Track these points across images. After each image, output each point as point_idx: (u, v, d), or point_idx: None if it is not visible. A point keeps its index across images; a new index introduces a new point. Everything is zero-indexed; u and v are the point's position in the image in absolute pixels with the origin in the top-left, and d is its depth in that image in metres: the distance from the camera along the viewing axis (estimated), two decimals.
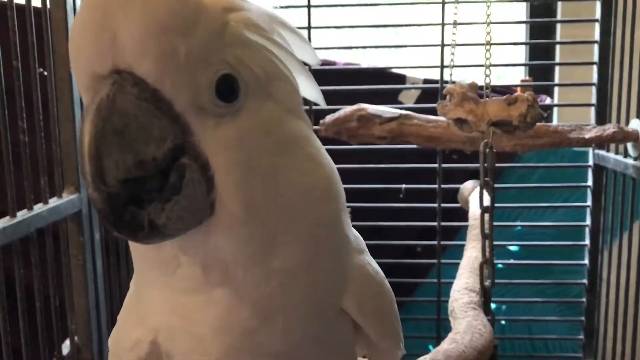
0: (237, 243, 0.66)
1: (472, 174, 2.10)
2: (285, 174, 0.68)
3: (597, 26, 2.06)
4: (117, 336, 0.78)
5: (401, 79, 2.30)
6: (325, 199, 0.74)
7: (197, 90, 0.63)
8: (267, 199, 0.66)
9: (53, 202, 1.56)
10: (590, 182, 2.14)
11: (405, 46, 2.52)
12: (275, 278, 0.68)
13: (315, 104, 2.09)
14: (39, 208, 1.49)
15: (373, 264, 0.82)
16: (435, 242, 2.17)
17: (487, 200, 1.62)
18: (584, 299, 2.19)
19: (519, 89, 2.17)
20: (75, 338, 1.69)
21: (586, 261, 2.17)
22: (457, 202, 2.14)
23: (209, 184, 0.64)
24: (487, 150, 1.56)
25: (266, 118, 0.67)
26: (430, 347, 2.18)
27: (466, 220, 1.95)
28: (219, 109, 0.65)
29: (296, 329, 0.71)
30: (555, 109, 2.41)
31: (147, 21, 0.60)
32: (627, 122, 1.92)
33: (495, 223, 1.65)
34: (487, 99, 1.59)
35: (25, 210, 1.44)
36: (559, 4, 2.43)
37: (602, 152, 2.07)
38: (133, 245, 0.71)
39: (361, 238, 0.86)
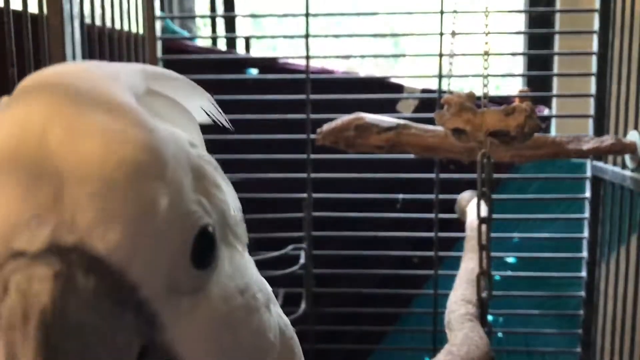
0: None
1: (470, 185, 2.09)
2: (249, 345, 0.51)
3: (595, 38, 2.06)
4: None
5: (399, 88, 2.29)
6: (273, 351, 0.55)
7: (173, 264, 0.42)
8: None
9: None
10: (588, 194, 2.14)
11: (404, 56, 2.52)
12: None
13: (313, 112, 2.09)
14: None
15: (282, 315, 0.65)
16: (432, 253, 2.16)
17: (484, 211, 1.61)
18: (581, 312, 2.18)
19: (517, 99, 2.16)
20: None
21: (584, 273, 2.16)
22: (455, 213, 2.13)
23: None
24: (485, 160, 1.56)
25: (233, 273, 0.49)
26: (427, 359, 2.17)
27: (463, 231, 1.94)
28: (195, 281, 0.44)
29: None
30: (553, 120, 2.41)
31: (114, 160, 0.38)
32: (625, 134, 1.91)
33: (492, 234, 1.63)
34: (485, 109, 1.58)
35: None
36: (558, 15, 2.43)
37: (600, 164, 2.06)
38: None
39: (269, 290, 0.62)
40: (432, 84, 2.17)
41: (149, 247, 0.40)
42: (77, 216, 0.38)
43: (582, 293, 2.17)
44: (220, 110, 0.56)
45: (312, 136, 1.98)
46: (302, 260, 2.12)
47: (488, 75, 1.67)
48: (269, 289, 0.55)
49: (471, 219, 1.88)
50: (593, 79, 2.08)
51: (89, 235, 0.38)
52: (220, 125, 0.57)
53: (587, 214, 2.14)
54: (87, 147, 0.38)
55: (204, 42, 2.64)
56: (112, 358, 0.39)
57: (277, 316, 0.63)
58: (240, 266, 0.50)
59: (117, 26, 1.77)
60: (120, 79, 0.43)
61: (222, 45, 2.62)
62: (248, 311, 0.50)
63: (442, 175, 2.11)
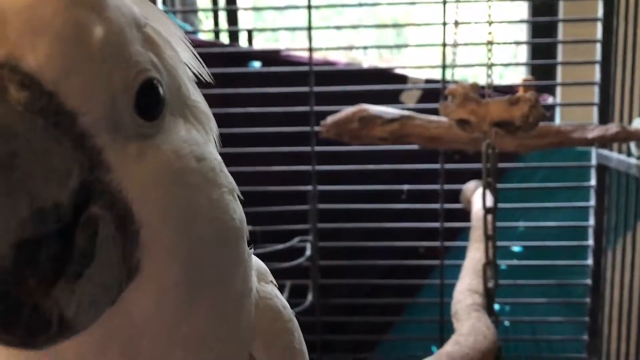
0: (160, 309, 0.48)
1: (475, 175, 2.09)
2: (208, 214, 0.50)
3: (599, 25, 2.05)
4: None
5: (403, 79, 2.29)
6: (238, 240, 0.55)
7: (113, 100, 0.43)
8: (198, 249, 0.49)
9: None
10: (593, 182, 2.13)
11: (407, 46, 2.52)
12: (181, 348, 0.52)
13: (317, 104, 2.09)
14: None
15: (280, 296, 0.66)
16: (438, 243, 2.17)
17: (490, 201, 1.61)
18: (587, 299, 2.18)
19: (521, 88, 2.16)
20: None
21: (590, 261, 2.16)
22: (460, 203, 2.13)
23: (131, 240, 0.44)
24: (490, 150, 1.56)
25: (189, 139, 0.50)
26: (434, 348, 2.17)
27: (469, 221, 1.94)
28: (140, 128, 0.45)
29: None
30: (557, 109, 2.40)
31: None
32: (630, 121, 1.91)
33: (498, 224, 1.64)
34: (489, 99, 1.58)
35: None
36: (561, 3, 2.42)
37: (605, 152, 2.06)
38: None
39: (264, 265, 0.67)
40: (436, 74, 2.16)
41: (84, 73, 0.41)
42: (7, 26, 0.39)
43: (588, 281, 2.17)
44: (202, 63, 0.57)
45: (316, 128, 1.98)
46: (308, 252, 2.13)
47: (492, 64, 1.67)
48: (234, 183, 0.56)
49: (476, 209, 1.88)
50: (597, 67, 2.07)
51: (19, 48, 0.39)
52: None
53: (592, 202, 2.14)
54: None
55: (206, 36, 2.64)
56: (44, 179, 0.39)
57: (273, 295, 0.64)
58: (198, 139, 0.51)
59: None
60: None
61: (224, 38, 2.62)
62: (206, 179, 0.50)
63: (447, 166, 2.11)
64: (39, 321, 0.40)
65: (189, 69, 0.56)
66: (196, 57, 0.57)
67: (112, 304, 0.44)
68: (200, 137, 0.52)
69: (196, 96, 0.54)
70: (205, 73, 0.57)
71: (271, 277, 0.67)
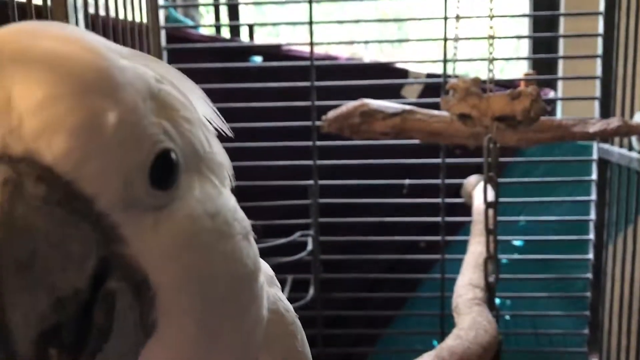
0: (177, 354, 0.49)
1: (476, 169, 2.09)
2: (223, 268, 0.52)
3: (600, 19, 2.04)
4: None
5: (404, 73, 2.29)
6: (252, 281, 0.56)
7: (128, 179, 0.44)
8: (213, 303, 0.51)
9: None
10: (594, 176, 2.13)
11: (408, 40, 2.51)
12: None
13: (318, 99, 2.09)
14: None
15: (284, 299, 0.67)
16: (439, 238, 2.17)
17: (491, 195, 1.61)
18: (588, 294, 2.19)
19: (522, 82, 2.16)
20: None
21: (590, 255, 2.16)
22: (461, 197, 2.13)
23: (148, 305, 0.46)
24: (491, 145, 1.56)
25: (203, 197, 0.50)
26: (435, 342, 2.18)
27: (470, 215, 1.94)
28: (156, 200, 0.46)
29: None
30: (559, 103, 2.40)
31: (60, 74, 0.41)
32: (632, 116, 1.91)
33: (499, 218, 1.64)
34: (490, 93, 1.58)
35: None
36: None
37: (607, 146, 2.06)
38: None
39: (270, 271, 0.68)
40: (437, 69, 2.16)
41: (99, 159, 0.42)
42: (24, 125, 0.40)
43: (589, 275, 2.17)
44: (222, 118, 0.58)
45: (317, 123, 1.98)
46: (309, 247, 2.13)
47: (493, 59, 1.66)
48: (248, 223, 0.57)
49: (478, 203, 1.88)
50: (599, 61, 2.06)
51: (36, 144, 0.40)
52: (224, 119, 0.59)
53: (593, 196, 2.14)
54: (38, 61, 0.41)
55: (207, 31, 2.64)
56: (62, 269, 0.40)
57: (276, 299, 0.65)
58: (212, 194, 0.52)
59: (121, 16, 1.77)
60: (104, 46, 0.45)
61: (225, 33, 2.62)
62: (220, 235, 0.51)
63: (448, 160, 2.11)
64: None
65: (209, 122, 0.56)
66: (215, 112, 0.58)
67: None
68: (214, 190, 0.52)
69: (212, 147, 0.54)
70: (225, 128, 0.58)
71: (276, 282, 0.68)
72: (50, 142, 0.41)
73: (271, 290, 0.66)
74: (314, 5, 2.08)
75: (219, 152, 0.56)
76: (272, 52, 2.30)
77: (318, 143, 2.12)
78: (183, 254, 0.48)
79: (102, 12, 1.70)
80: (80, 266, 0.41)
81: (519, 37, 2.54)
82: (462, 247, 1.83)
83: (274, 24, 2.73)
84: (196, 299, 0.49)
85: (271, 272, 0.68)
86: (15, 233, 0.39)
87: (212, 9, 2.69)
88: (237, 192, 0.59)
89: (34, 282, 0.39)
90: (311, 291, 2.15)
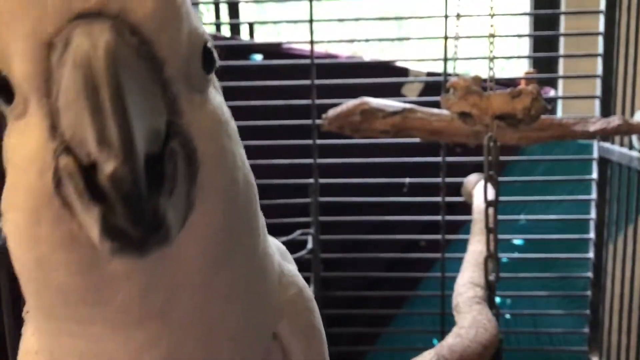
0: (201, 256, 0.53)
1: (476, 168, 2.09)
2: (241, 165, 0.58)
3: (601, 17, 2.04)
4: None
5: (404, 72, 2.28)
6: (255, 194, 0.62)
7: (189, 54, 0.51)
8: (237, 197, 0.56)
9: None
10: (595, 175, 2.13)
11: (408, 39, 2.51)
12: (217, 301, 0.56)
13: (318, 98, 2.09)
14: None
15: (300, 276, 0.71)
16: (439, 236, 2.17)
17: (491, 194, 1.61)
18: (588, 292, 2.19)
19: (523, 81, 2.16)
20: None
21: (591, 254, 2.16)
22: (461, 196, 2.13)
23: (193, 179, 0.50)
24: (491, 143, 1.55)
25: (221, 100, 0.58)
26: (435, 341, 2.18)
27: (470, 214, 1.94)
28: (201, 82, 0.53)
29: (240, 353, 0.60)
30: (559, 102, 2.40)
31: None
32: (632, 114, 1.91)
33: (499, 217, 1.64)
34: (491, 92, 1.58)
35: None
36: None
37: (607, 145, 2.05)
38: (44, 268, 0.51)
39: (283, 246, 0.73)
40: (438, 67, 2.16)
41: (172, 28, 0.49)
42: None
43: (590, 274, 2.17)
44: None
45: (318, 121, 1.98)
46: (309, 245, 2.13)
47: (494, 57, 1.66)
48: None
49: (478, 202, 1.88)
50: (599, 60, 2.06)
51: (131, 5, 0.47)
52: None
53: (594, 195, 2.14)
54: None
55: (207, 29, 2.63)
56: (150, 110, 0.47)
57: (294, 274, 0.70)
58: (222, 100, 0.59)
59: None
60: None
61: (226, 31, 2.62)
62: (236, 137, 0.58)
63: (449, 159, 2.11)
64: (155, 222, 0.46)
65: None
66: None
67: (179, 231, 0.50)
68: (221, 98, 0.59)
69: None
70: None
71: (290, 258, 0.72)
72: (142, 3, 0.47)
73: (289, 265, 0.70)
74: (315, 3, 2.08)
75: None
76: (272, 50, 2.30)
77: (318, 141, 2.12)
78: (220, 136, 0.54)
79: None
80: (160, 114, 0.48)
81: (519, 36, 2.53)
82: (463, 246, 1.83)
83: (275, 22, 2.73)
84: (228, 185, 0.54)
85: (285, 248, 0.73)
86: (122, 65, 0.44)
87: (212, 6, 2.68)
88: None
89: (139, 107, 0.45)
90: (311, 289, 2.15)
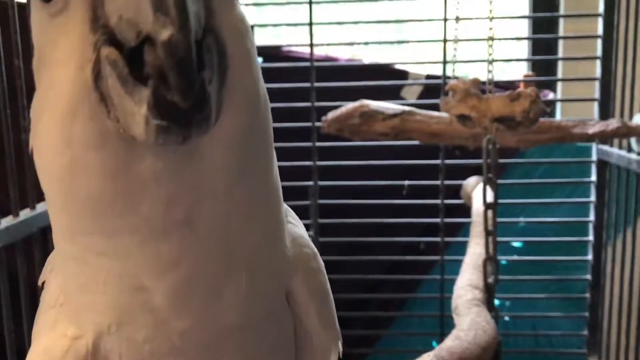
0: (226, 161, 0.54)
1: (475, 170, 2.10)
2: (260, 81, 0.59)
3: (600, 20, 2.05)
4: (40, 349, 0.61)
5: (403, 75, 2.29)
6: (271, 131, 0.63)
7: None
8: (259, 109, 0.58)
9: None
10: (593, 177, 2.14)
11: (408, 42, 2.51)
12: (237, 215, 0.57)
13: (318, 100, 2.09)
14: (41, 207, 1.49)
15: (311, 242, 0.73)
16: (438, 239, 2.17)
17: (490, 197, 1.62)
18: (587, 295, 2.19)
19: (521, 84, 2.16)
20: None
21: (590, 256, 2.17)
22: (460, 199, 2.14)
23: (222, 79, 0.52)
24: (490, 146, 1.56)
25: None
26: (434, 343, 2.18)
27: (469, 216, 1.94)
28: None
29: (256, 293, 0.60)
30: (558, 104, 2.41)
31: None
32: (631, 117, 1.91)
33: (498, 219, 1.64)
34: (490, 95, 1.59)
35: (28, 210, 1.43)
36: None
37: (606, 147, 2.06)
38: (75, 173, 0.52)
39: (292, 212, 0.75)
40: (437, 70, 2.17)
41: None
42: None
43: (588, 276, 2.17)
44: None
45: (318, 124, 1.99)
46: None
47: (493, 60, 1.67)
48: None
49: (477, 205, 1.88)
50: (598, 62, 2.07)
51: None
52: None
53: (592, 198, 2.14)
54: None
55: None
56: (197, 1, 0.48)
57: (309, 241, 0.71)
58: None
59: None
60: None
61: None
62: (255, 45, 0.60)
63: (448, 161, 2.12)
64: (202, 96, 0.48)
65: None
66: None
67: (209, 130, 0.50)
68: None
69: None
70: None
71: (301, 223, 0.73)
72: None
73: (298, 227, 0.71)
74: (314, 6, 2.08)
75: None
76: (272, 53, 2.31)
77: (318, 144, 2.12)
78: (248, 40, 0.56)
79: None
80: (200, 6, 0.49)
81: (518, 39, 2.54)
82: (462, 248, 1.83)
83: (275, 25, 2.73)
84: (252, 91, 0.55)
85: (293, 212, 0.74)
86: None
87: None
88: None
89: None
90: None
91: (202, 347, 0.60)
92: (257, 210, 0.60)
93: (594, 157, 2.13)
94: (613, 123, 1.82)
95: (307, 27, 2.09)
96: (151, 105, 0.47)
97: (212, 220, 0.55)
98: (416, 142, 1.92)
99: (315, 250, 0.71)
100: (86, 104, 0.50)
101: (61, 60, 0.51)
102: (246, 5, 2.63)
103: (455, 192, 2.15)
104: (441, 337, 1.96)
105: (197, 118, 0.48)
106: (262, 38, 2.67)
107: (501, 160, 1.66)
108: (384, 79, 2.20)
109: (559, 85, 2.44)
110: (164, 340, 0.58)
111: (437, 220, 2.16)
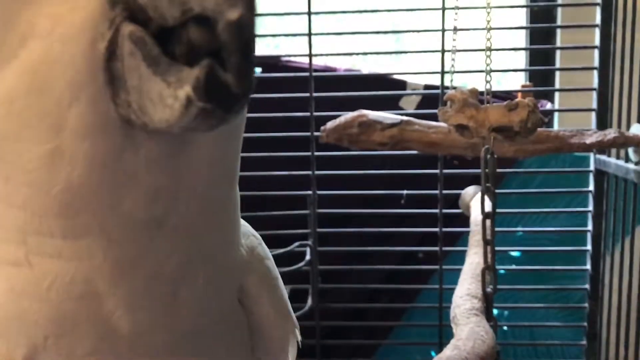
0: (211, 161, 0.53)
1: (474, 180, 2.10)
2: None
3: (597, 31, 2.06)
4: None
5: (402, 85, 2.30)
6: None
7: None
8: (244, 112, 0.58)
9: None
10: (591, 187, 2.14)
11: (406, 52, 2.53)
12: (206, 216, 0.55)
13: (316, 110, 2.10)
14: None
15: (257, 234, 0.72)
16: (436, 248, 2.17)
17: (488, 206, 1.62)
18: (586, 304, 2.19)
19: (519, 94, 2.17)
20: None
21: (588, 266, 2.17)
22: (459, 208, 2.14)
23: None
24: (488, 156, 1.56)
25: None
26: (433, 353, 2.18)
27: (468, 225, 1.95)
28: None
29: (212, 296, 0.58)
30: (556, 114, 2.41)
31: None
32: (628, 127, 1.92)
33: (496, 229, 1.64)
34: (488, 105, 1.59)
35: None
36: (559, 9, 2.43)
37: (604, 157, 2.06)
38: (55, 164, 0.47)
39: (254, 231, 0.74)
40: (435, 80, 2.17)
41: None
42: None
43: (587, 286, 2.17)
44: None
45: (316, 134, 1.99)
46: (307, 257, 2.13)
47: (491, 70, 1.68)
48: None
49: (475, 214, 1.89)
50: (595, 73, 2.08)
51: None
52: None
53: (590, 207, 2.15)
54: None
55: None
56: None
57: (261, 244, 0.71)
58: None
59: None
60: None
61: None
62: None
63: (446, 171, 2.12)
64: (251, 83, 0.47)
65: None
66: None
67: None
68: None
69: None
70: None
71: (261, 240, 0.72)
72: None
73: (254, 238, 0.70)
74: (313, 17, 2.09)
75: None
76: (271, 63, 2.32)
77: (316, 153, 2.13)
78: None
79: None
80: None
81: (516, 49, 2.55)
82: (460, 258, 1.83)
83: (273, 36, 2.74)
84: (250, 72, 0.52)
85: (255, 232, 0.72)
86: None
87: None
88: None
89: None
90: (309, 301, 2.15)
91: (151, 357, 0.56)
92: (224, 211, 0.59)
93: (592, 167, 2.13)
94: (611, 133, 1.83)
95: (306, 38, 2.10)
96: (200, 87, 0.44)
97: (183, 218, 0.53)
98: (415, 152, 1.93)
99: (260, 238, 0.70)
100: (92, 85, 0.46)
101: (68, 34, 0.45)
102: None
103: (454, 201, 2.15)
104: (440, 347, 1.96)
105: (240, 103, 0.47)
106: (261, 48, 2.68)
107: (499, 170, 1.66)
108: (383, 89, 2.21)
109: (557, 95, 2.45)
110: (108, 352, 0.53)
111: (436, 229, 2.16)
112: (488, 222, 1.60)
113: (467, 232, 1.92)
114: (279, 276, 0.72)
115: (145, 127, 0.47)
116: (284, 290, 0.72)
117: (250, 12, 0.44)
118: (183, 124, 0.45)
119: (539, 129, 1.60)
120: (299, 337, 0.74)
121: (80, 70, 0.46)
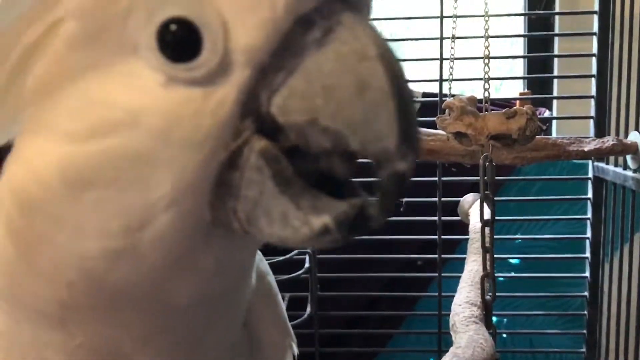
0: (250, 253, 0.55)
1: (472, 187, 2.11)
2: None
3: (594, 39, 2.07)
4: None
5: None
6: None
7: None
8: None
9: None
10: (590, 195, 2.14)
11: (404, 60, 2.53)
12: (227, 307, 0.58)
13: None
14: None
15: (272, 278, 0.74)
16: (435, 256, 2.17)
17: (487, 214, 1.62)
18: (585, 312, 2.19)
19: (518, 102, 2.18)
20: None
21: (587, 273, 2.17)
22: (458, 216, 2.14)
23: None
24: (487, 163, 1.57)
25: None
26: None
27: (466, 233, 1.95)
28: None
29: (230, 330, 0.61)
30: (554, 122, 2.42)
31: None
32: (626, 134, 1.92)
33: (495, 236, 1.64)
34: (486, 112, 1.60)
35: None
36: (557, 17, 2.44)
37: (602, 165, 2.07)
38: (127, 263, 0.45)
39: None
40: (433, 88, 2.18)
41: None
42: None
43: (586, 293, 2.17)
44: None
45: None
46: (307, 265, 2.13)
47: (489, 78, 1.68)
48: None
49: (474, 222, 1.89)
50: (593, 81, 2.09)
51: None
52: None
53: (589, 215, 2.15)
54: None
55: None
56: None
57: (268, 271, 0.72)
58: None
59: None
60: None
61: None
62: None
63: (445, 179, 2.12)
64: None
65: None
66: None
67: None
68: None
69: None
70: None
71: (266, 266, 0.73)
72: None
73: (261, 262, 0.70)
74: None
75: None
76: None
77: None
78: None
79: None
80: None
81: (514, 57, 2.56)
82: (459, 265, 1.83)
83: None
84: None
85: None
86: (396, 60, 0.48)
87: None
88: None
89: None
90: (308, 309, 2.15)
91: None
92: (250, 274, 0.61)
93: (590, 174, 2.14)
94: (609, 141, 1.83)
95: None
96: (345, 222, 0.45)
97: (220, 295, 0.54)
98: None
99: (259, 252, 0.67)
100: (198, 193, 0.42)
101: (190, 136, 0.41)
102: None
103: (453, 209, 2.15)
104: (439, 355, 1.95)
105: (365, 228, 0.46)
106: None
107: (498, 178, 1.66)
108: None
109: (555, 103, 2.45)
110: None
111: (435, 237, 2.16)
112: (487, 229, 1.60)
113: (466, 240, 1.92)
114: (278, 291, 0.72)
115: (243, 234, 0.45)
116: (282, 305, 0.73)
117: (413, 162, 0.45)
118: (303, 244, 0.45)
119: (537, 137, 1.61)
120: (296, 351, 0.74)
121: (191, 177, 0.42)
